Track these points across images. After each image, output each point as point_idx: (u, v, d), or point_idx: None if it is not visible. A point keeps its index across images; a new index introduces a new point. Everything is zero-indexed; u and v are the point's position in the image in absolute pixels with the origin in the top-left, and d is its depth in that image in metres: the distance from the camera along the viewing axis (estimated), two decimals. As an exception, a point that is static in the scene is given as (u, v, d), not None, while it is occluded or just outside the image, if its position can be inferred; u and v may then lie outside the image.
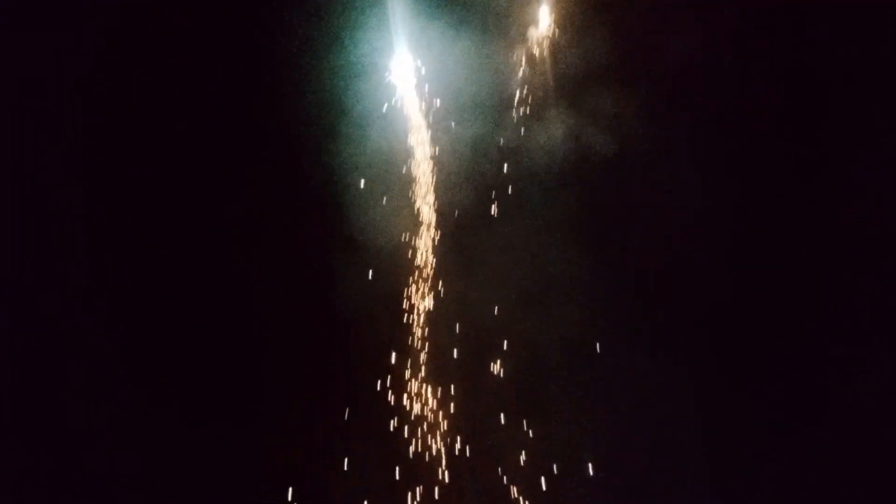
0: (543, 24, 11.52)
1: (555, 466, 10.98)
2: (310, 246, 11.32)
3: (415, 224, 11.63)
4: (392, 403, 11.16)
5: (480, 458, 11.16)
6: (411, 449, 11.09)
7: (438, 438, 11.20)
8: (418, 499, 10.91)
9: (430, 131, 11.64)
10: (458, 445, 11.20)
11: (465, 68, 11.33)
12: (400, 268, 11.53)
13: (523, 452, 11.09)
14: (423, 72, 11.45)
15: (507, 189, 11.56)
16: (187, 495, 10.64)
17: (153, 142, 11.18)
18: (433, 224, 11.67)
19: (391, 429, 11.10)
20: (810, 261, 11.07)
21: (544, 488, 10.93)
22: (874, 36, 10.88)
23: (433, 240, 11.64)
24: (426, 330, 11.51)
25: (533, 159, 11.49)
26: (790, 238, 11.17)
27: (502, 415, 11.18)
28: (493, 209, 11.55)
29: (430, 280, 11.59)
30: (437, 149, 11.64)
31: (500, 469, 11.09)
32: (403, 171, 11.57)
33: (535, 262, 11.47)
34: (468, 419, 11.30)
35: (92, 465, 10.53)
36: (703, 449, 10.85)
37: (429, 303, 11.56)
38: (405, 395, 11.26)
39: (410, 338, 11.49)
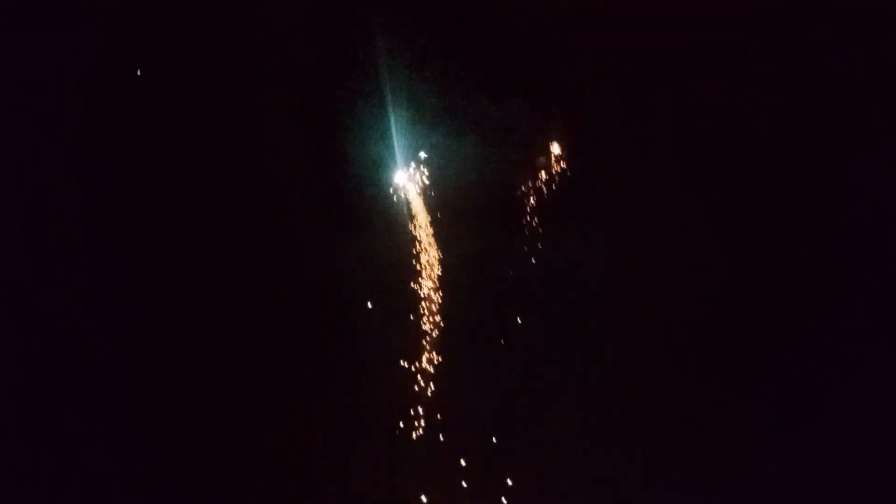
0: (550, 134, 11.46)
1: None
2: (314, 375, 11.19)
3: (417, 346, 11.41)
4: None
5: None
6: None
7: None
8: None
9: (435, 244, 11.51)
10: None
11: (472, 179, 11.29)
12: (400, 393, 11.24)
13: None
14: (428, 182, 11.41)
15: (513, 308, 11.39)
16: (187, 495, 10.63)
17: (153, 142, 11.19)
18: (437, 344, 11.39)
19: None
20: (810, 261, 11.08)
21: None
22: (874, 36, 10.90)
23: (435, 362, 11.35)
24: (427, 467, 11.03)
25: (542, 274, 11.35)
26: (790, 238, 11.18)
27: None
28: (498, 328, 11.33)
29: (430, 407, 11.21)
30: (442, 263, 11.52)
31: None
32: (408, 289, 11.47)
33: (546, 383, 11.24)
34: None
35: (92, 465, 10.52)
36: (704, 449, 10.85)
37: (429, 433, 11.10)
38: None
39: (410, 473, 11.02)
